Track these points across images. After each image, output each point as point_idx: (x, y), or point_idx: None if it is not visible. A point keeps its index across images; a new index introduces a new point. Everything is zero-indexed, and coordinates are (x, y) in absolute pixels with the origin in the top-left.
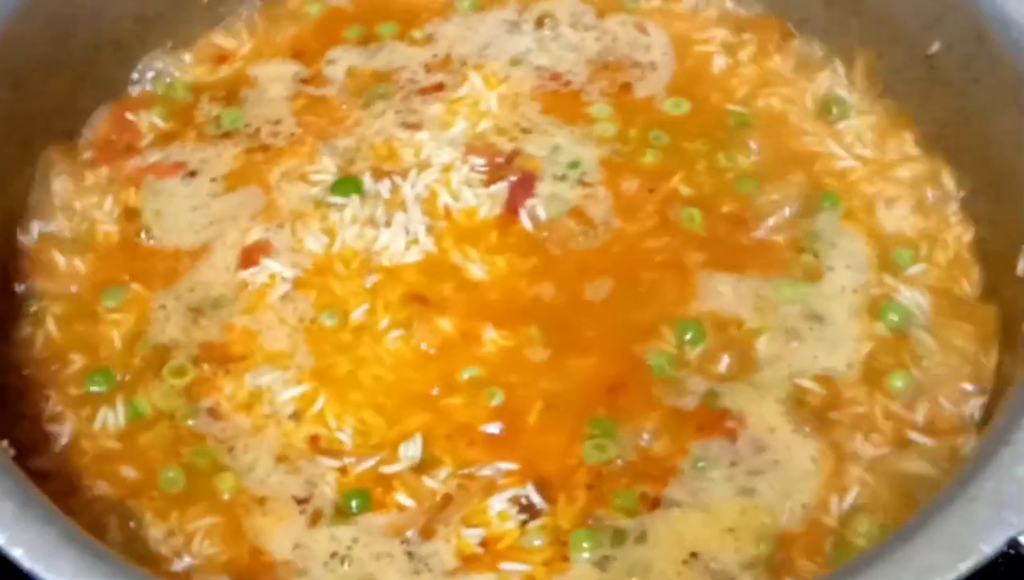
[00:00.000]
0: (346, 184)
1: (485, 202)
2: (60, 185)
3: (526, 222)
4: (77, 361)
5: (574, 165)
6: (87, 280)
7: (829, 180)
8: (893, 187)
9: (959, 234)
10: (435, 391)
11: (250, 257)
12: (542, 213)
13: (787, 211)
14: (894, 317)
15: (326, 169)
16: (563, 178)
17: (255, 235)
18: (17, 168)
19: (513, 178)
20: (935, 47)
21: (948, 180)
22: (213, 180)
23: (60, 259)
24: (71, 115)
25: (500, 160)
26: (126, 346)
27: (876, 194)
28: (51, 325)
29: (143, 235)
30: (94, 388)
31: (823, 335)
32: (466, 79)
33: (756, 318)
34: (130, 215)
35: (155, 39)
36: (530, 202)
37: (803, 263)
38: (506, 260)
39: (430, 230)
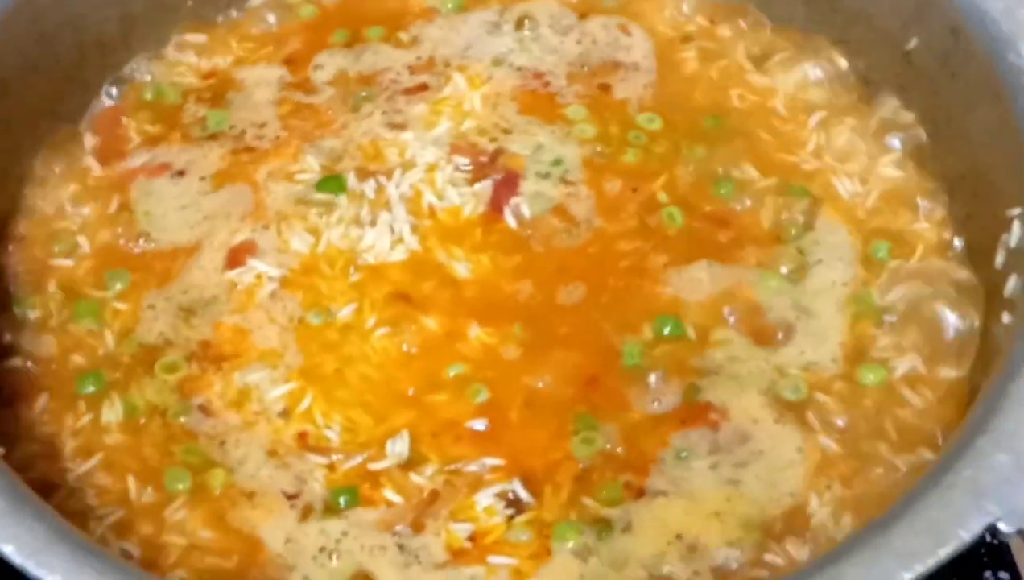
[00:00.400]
0: (330, 182)
1: (469, 201)
2: (49, 189)
3: (510, 220)
4: (72, 359)
5: (557, 163)
6: (80, 281)
7: (809, 177)
8: (872, 182)
9: (938, 227)
10: (420, 389)
11: (236, 258)
12: (526, 211)
13: (768, 208)
14: (874, 310)
15: (311, 168)
16: (546, 176)
17: (241, 235)
18: (6, 172)
19: (497, 176)
20: (913, 43)
21: (927, 173)
22: (202, 179)
23: (51, 261)
24: (58, 119)
25: (484, 159)
26: (117, 343)
27: (856, 190)
28: (42, 327)
29: (141, 241)
30: (87, 389)
31: (808, 328)
32: (450, 80)
33: (740, 311)
34: (122, 216)
35: (141, 41)
36: (514, 200)
37: (788, 256)
38: (490, 258)
39: (415, 229)
